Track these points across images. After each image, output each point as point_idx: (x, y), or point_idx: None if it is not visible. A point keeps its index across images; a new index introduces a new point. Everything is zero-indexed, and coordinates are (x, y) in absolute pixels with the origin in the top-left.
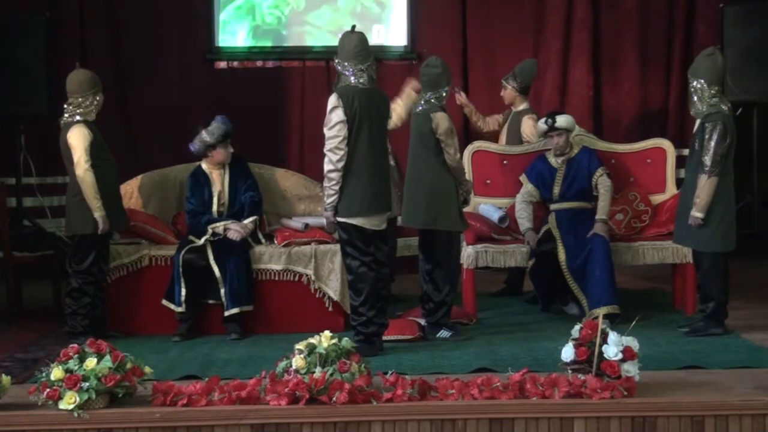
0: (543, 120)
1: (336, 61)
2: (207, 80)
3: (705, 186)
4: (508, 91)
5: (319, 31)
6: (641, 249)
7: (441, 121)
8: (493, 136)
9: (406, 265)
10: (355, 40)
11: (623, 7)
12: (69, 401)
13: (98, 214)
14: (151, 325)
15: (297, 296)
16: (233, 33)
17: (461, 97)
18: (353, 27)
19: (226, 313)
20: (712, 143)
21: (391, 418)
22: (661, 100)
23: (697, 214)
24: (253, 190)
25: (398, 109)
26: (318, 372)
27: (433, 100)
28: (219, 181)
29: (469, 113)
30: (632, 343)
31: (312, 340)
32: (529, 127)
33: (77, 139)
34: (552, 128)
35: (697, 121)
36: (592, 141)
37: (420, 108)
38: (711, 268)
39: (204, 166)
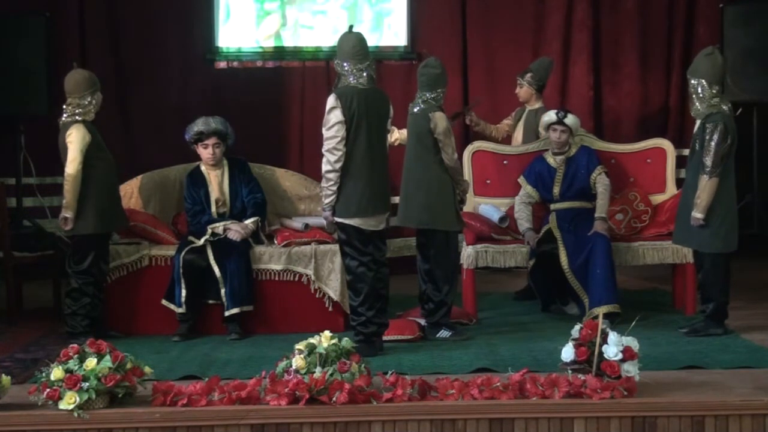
0: (555, 111)
1: (335, 61)
2: (207, 80)
3: (706, 187)
4: (525, 89)
5: (319, 31)
6: (641, 249)
7: (439, 120)
8: (506, 140)
9: (406, 265)
10: (354, 40)
11: (623, 8)
12: (69, 401)
13: (70, 213)
14: (151, 325)
15: (297, 296)
16: (233, 33)
17: (472, 117)
18: (350, 27)
19: (227, 313)
20: (713, 144)
21: (391, 418)
22: (661, 100)
23: (697, 214)
24: (257, 191)
25: (395, 134)
26: (318, 372)
27: (431, 100)
28: (216, 182)
29: (482, 130)
30: (632, 343)
31: (312, 340)
32: None
33: (74, 138)
34: (560, 121)
35: (698, 122)
36: (592, 141)
37: (418, 108)
38: (712, 269)
39: (202, 167)
